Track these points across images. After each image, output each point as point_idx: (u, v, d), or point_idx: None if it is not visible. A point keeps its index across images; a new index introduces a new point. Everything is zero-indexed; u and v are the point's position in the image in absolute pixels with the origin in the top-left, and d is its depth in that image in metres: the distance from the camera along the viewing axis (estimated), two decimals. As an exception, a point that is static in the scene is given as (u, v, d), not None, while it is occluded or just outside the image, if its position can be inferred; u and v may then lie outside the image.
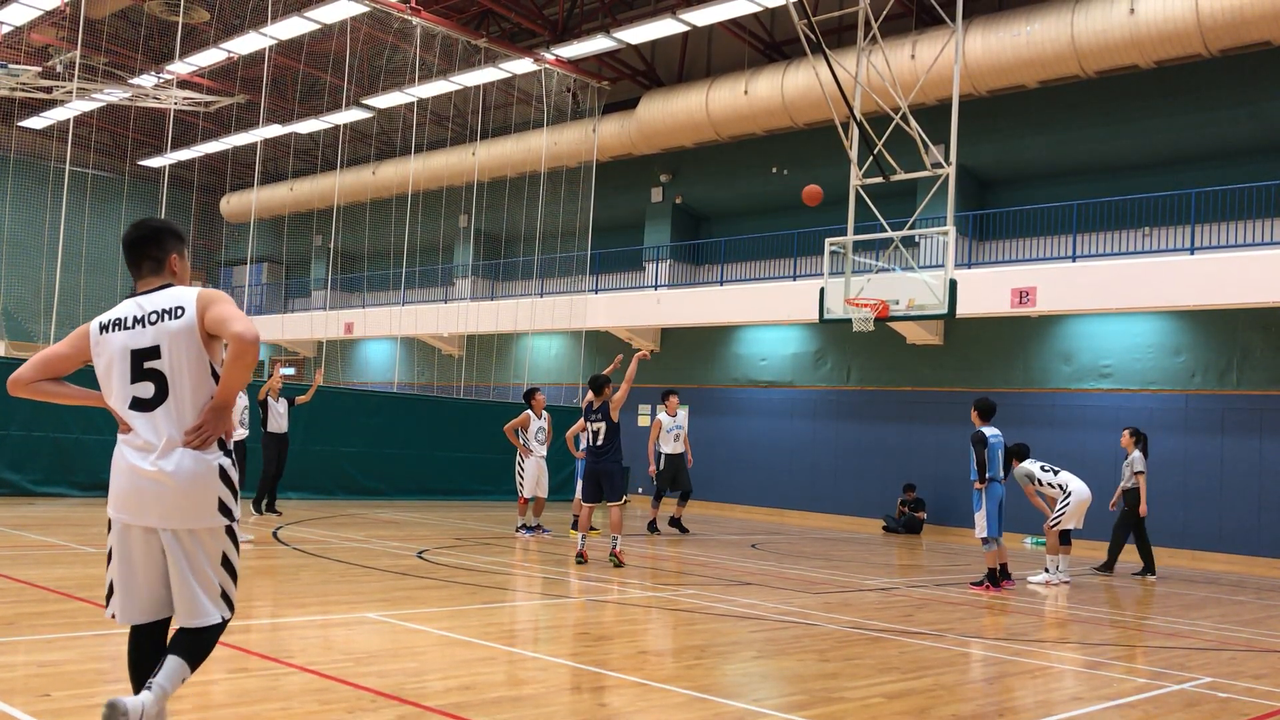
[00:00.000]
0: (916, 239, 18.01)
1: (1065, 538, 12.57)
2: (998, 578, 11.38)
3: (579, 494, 13.27)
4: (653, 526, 16.24)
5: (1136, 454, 13.84)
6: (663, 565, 12.31)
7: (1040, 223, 19.79)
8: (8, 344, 30.52)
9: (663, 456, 16.35)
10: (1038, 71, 18.67)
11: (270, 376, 15.16)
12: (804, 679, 6.45)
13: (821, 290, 15.37)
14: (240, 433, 11.57)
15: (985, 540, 11.29)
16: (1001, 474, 11.45)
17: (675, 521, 16.39)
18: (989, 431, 11.38)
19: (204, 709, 4.90)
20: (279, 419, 14.78)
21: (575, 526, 13.45)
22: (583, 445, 14.63)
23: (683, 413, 24.18)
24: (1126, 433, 14.09)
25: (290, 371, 34.93)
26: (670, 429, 16.30)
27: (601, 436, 11.70)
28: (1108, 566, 14.04)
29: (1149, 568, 13.90)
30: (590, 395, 11.96)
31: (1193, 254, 16.91)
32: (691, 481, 16.73)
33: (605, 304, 24.77)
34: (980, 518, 11.28)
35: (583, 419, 12.16)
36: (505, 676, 6.06)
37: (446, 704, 5.19)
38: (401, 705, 5.12)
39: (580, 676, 6.18)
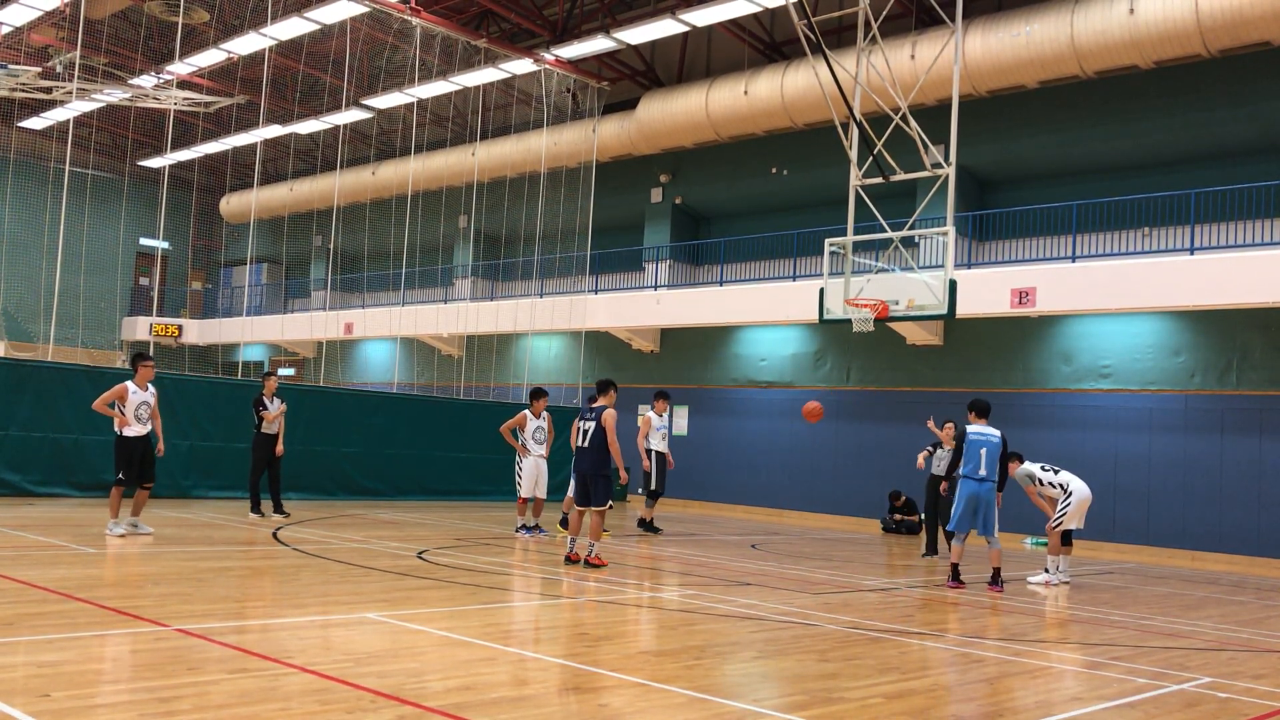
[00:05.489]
0: (916, 239, 18.02)
1: (1067, 538, 12.58)
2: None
3: (570, 492, 12.97)
4: (646, 525, 16.31)
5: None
6: (663, 565, 12.31)
7: (1040, 223, 19.78)
8: (7, 344, 30.50)
9: (653, 454, 16.38)
10: (1037, 71, 18.67)
11: (266, 379, 15.03)
12: (804, 679, 6.44)
13: (821, 291, 15.37)
14: (137, 428, 11.58)
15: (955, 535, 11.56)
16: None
17: (645, 523, 16.28)
18: (974, 429, 11.45)
19: (204, 709, 4.90)
20: (269, 422, 14.70)
21: (564, 525, 13.40)
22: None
23: (679, 415, 24.31)
24: (951, 426, 14.72)
25: (290, 372, 34.92)
26: (659, 428, 16.39)
27: (589, 437, 11.49)
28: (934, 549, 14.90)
29: (935, 548, 14.90)
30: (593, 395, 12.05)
31: (1192, 254, 16.90)
32: (666, 484, 16.73)
33: (605, 304, 24.76)
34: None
35: (578, 418, 12.01)
36: (505, 677, 6.06)
37: (446, 704, 5.19)
38: (401, 705, 5.11)
39: (580, 677, 6.18)
